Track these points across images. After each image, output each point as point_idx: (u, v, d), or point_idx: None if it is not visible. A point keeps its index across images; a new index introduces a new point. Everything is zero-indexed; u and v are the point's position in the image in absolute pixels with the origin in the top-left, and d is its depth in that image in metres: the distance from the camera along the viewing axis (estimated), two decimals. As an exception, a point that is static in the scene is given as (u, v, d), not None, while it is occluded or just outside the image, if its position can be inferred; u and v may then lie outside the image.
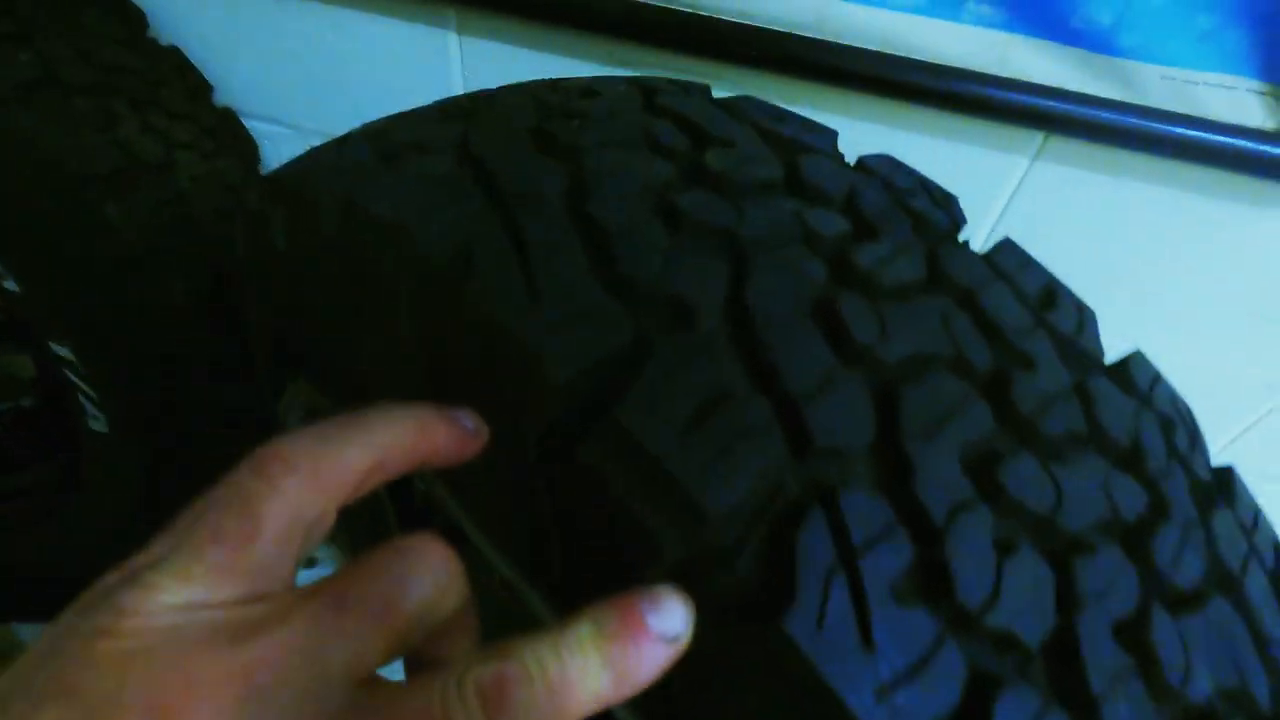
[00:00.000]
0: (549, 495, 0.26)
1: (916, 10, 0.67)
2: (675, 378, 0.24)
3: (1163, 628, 0.26)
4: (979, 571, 0.24)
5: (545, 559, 0.28)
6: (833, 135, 0.40)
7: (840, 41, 0.69)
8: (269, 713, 0.19)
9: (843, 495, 0.23)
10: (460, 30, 0.84)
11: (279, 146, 1.00)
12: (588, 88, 0.40)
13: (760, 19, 0.71)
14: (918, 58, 0.68)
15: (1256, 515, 0.36)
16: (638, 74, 0.49)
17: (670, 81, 0.45)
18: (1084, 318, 0.37)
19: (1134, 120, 0.61)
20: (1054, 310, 0.36)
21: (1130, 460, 0.31)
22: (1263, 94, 0.58)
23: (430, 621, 0.23)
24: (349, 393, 0.42)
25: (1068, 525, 0.27)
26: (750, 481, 0.23)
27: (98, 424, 0.85)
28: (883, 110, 0.74)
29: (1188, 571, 0.29)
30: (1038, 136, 0.71)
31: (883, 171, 0.39)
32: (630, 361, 0.24)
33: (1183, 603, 0.28)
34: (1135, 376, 0.36)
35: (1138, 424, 0.33)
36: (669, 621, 0.22)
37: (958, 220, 0.38)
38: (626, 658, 0.21)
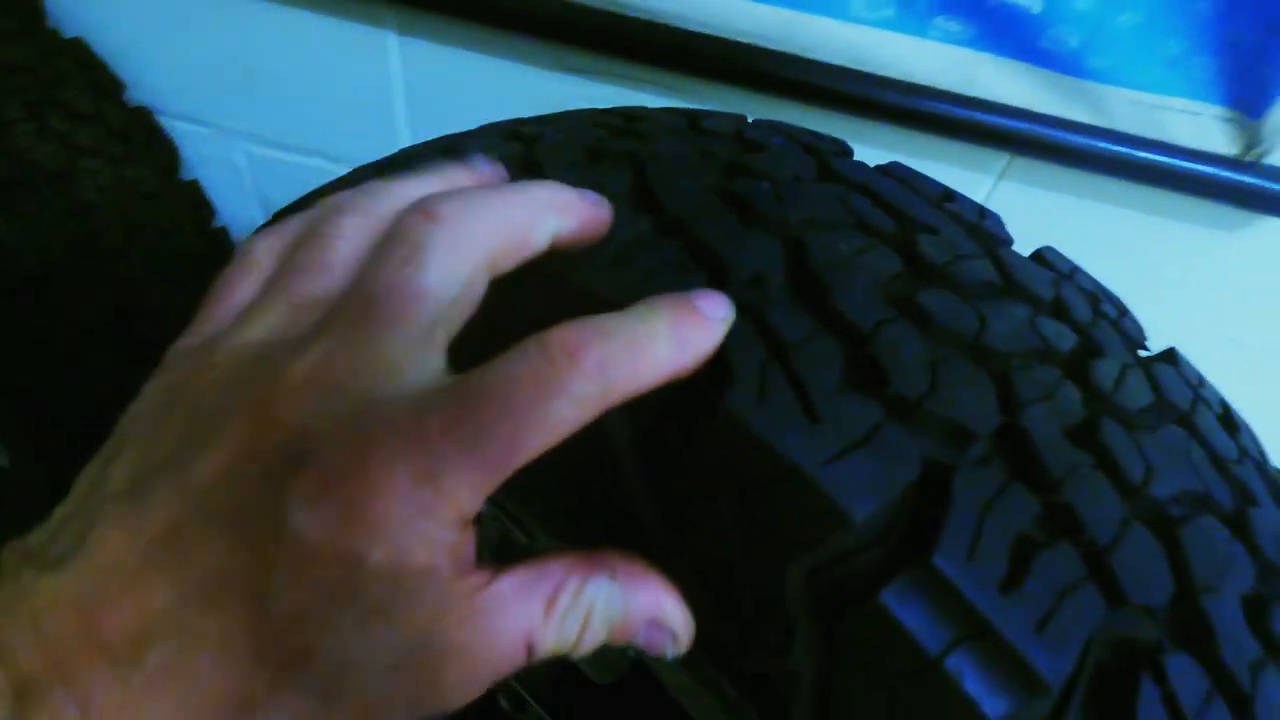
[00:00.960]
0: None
1: (884, 25, 0.64)
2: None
3: (1116, 434, 0.26)
4: (913, 367, 0.25)
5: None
6: (997, 217, 0.38)
7: (805, 55, 0.66)
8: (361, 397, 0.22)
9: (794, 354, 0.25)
10: (401, 31, 0.78)
11: (200, 148, 0.92)
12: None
13: (723, 30, 0.67)
14: (884, 74, 0.66)
15: (1201, 379, 0.35)
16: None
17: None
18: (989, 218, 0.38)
19: (1100, 144, 0.61)
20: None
21: (1056, 310, 0.31)
22: (1228, 120, 0.58)
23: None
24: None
25: (998, 345, 0.27)
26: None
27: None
28: (845, 126, 0.72)
29: (1134, 397, 0.29)
30: (1004, 157, 0.69)
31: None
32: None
33: (1133, 422, 0.28)
34: (1052, 260, 0.37)
35: (1058, 289, 0.33)
36: (715, 306, 0.25)
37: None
38: (688, 326, 0.24)
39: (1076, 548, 0.24)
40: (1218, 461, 0.30)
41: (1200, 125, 0.59)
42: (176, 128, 0.91)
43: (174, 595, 0.20)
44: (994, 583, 0.22)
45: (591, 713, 0.58)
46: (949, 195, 0.39)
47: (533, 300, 0.28)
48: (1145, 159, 0.60)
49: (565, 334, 0.23)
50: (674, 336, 0.24)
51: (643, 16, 0.68)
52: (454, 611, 0.22)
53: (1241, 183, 0.58)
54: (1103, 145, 0.61)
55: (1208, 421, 0.32)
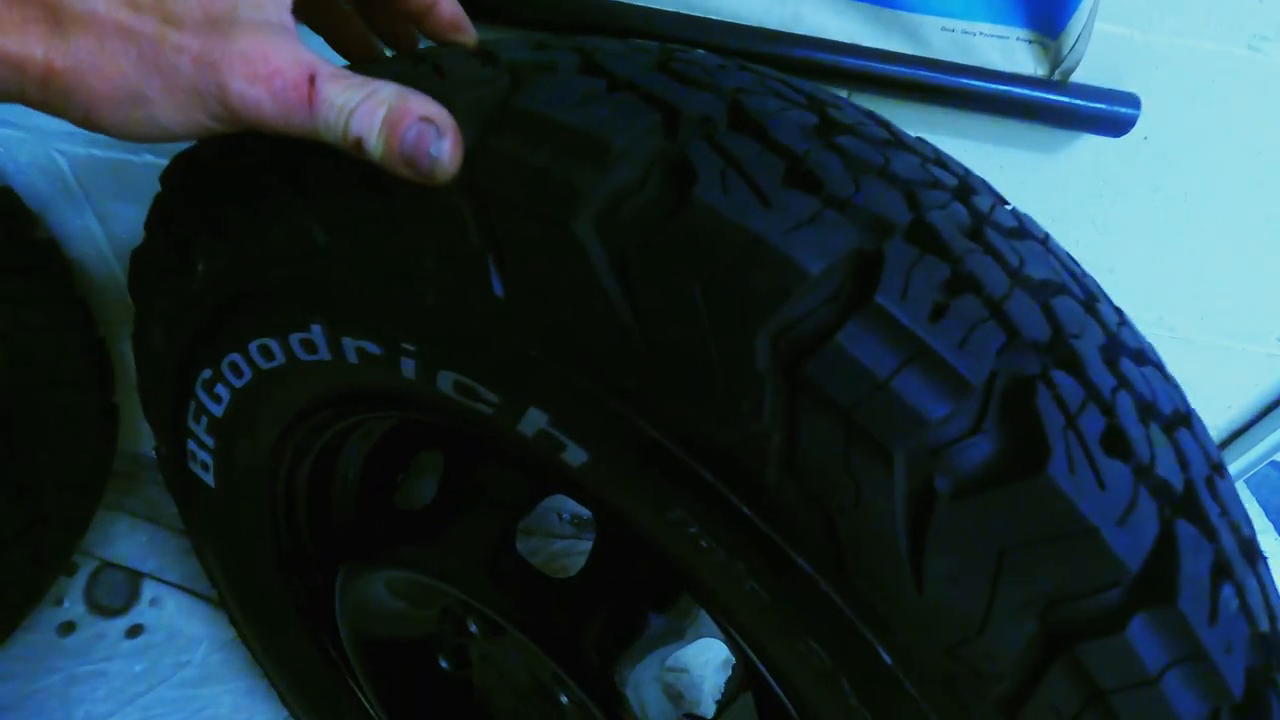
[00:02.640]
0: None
1: (706, -31, 0.60)
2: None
3: (995, 235, 0.34)
4: (840, 178, 0.31)
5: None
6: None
7: (634, 2, 0.65)
8: None
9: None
10: None
11: (14, 153, 0.80)
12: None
13: None
14: (713, 16, 0.65)
15: (1048, 234, 0.41)
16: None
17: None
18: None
19: (923, 73, 0.61)
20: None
21: (938, 162, 0.38)
22: (1032, 41, 0.60)
23: None
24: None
25: (901, 173, 0.34)
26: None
27: None
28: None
29: (1004, 219, 0.36)
30: (842, 93, 0.78)
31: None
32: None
33: (1006, 231, 0.35)
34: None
35: (936, 152, 0.39)
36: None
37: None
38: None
39: (979, 298, 0.30)
40: (1069, 270, 0.37)
41: (1008, 48, 0.60)
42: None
43: None
44: (924, 316, 0.28)
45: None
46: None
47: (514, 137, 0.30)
48: (964, 85, 0.61)
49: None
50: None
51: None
52: (268, 30, 0.29)
53: (1052, 101, 0.60)
54: (926, 74, 0.61)
55: (1058, 249, 0.39)
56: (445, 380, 0.38)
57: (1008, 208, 0.39)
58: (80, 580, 0.98)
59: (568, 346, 0.32)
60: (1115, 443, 0.28)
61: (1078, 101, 0.59)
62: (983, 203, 0.36)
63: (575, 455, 0.35)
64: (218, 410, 0.54)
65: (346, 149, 0.31)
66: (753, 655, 0.38)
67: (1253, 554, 0.32)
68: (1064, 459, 0.26)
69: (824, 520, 0.29)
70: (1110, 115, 0.59)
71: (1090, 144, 0.66)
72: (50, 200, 0.81)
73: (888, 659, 0.30)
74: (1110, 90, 0.60)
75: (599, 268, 0.30)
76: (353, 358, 0.42)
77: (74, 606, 0.96)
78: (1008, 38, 0.60)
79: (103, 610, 0.96)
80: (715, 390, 0.29)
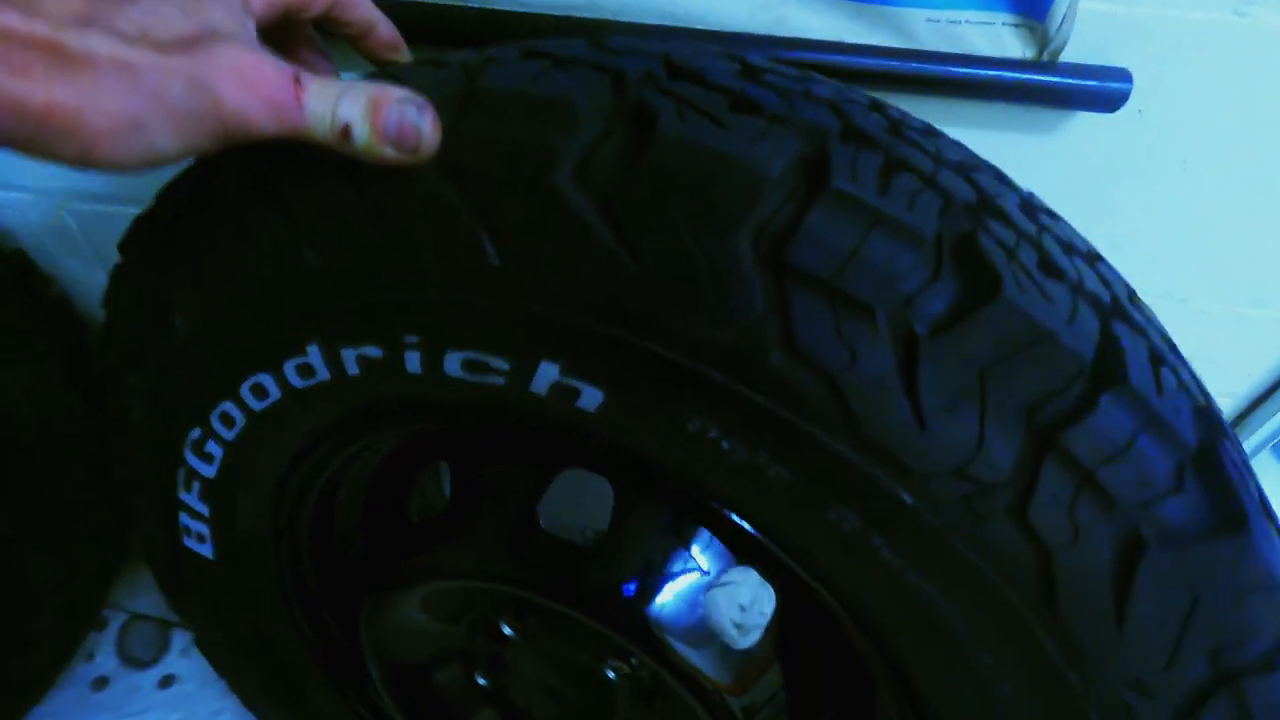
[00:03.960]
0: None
1: (685, -24, 0.61)
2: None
3: (913, 132, 0.39)
4: (775, 102, 0.35)
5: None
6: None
7: (620, 19, 0.64)
8: None
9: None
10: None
11: (24, 215, 0.81)
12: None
13: (529, 4, 0.63)
14: (698, 26, 0.65)
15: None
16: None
17: None
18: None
19: (912, 65, 0.61)
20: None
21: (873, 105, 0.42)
22: (1018, 25, 0.60)
23: None
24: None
25: (823, 95, 0.38)
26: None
27: None
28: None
29: (921, 137, 0.40)
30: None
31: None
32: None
33: (920, 144, 0.39)
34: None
35: (842, 93, 0.42)
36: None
37: None
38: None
39: (913, 174, 0.35)
40: (977, 158, 0.43)
41: (994, 34, 0.61)
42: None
43: None
44: (874, 192, 0.32)
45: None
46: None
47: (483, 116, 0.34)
48: (953, 73, 0.60)
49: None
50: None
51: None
52: (244, 43, 0.32)
53: (1043, 82, 0.60)
54: (915, 66, 0.60)
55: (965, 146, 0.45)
56: (453, 362, 0.40)
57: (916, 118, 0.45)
58: (111, 634, 1.00)
59: (568, 293, 0.35)
60: (1050, 268, 0.33)
61: (1069, 80, 0.60)
62: (894, 113, 0.42)
63: (591, 398, 0.38)
64: (210, 471, 0.55)
65: (334, 141, 0.34)
66: (783, 553, 0.41)
67: (1177, 351, 0.38)
68: (1013, 283, 0.31)
69: (829, 386, 0.32)
70: (1102, 91, 0.60)
71: (1085, 122, 0.66)
72: (61, 259, 0.83)
73: (908, 499, 0.33)
74: (1100, 67, 0.60)
75: (585, 214, 0.33)
76: (353, 369, 0.43)
77: (106, 660, 0.98)
78: (993, 23, 0.60)
79: (135, 662, 0.98)
80: (710, 295, 0.33)
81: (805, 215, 0.32)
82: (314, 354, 0.44)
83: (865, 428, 0.33)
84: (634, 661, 0.54)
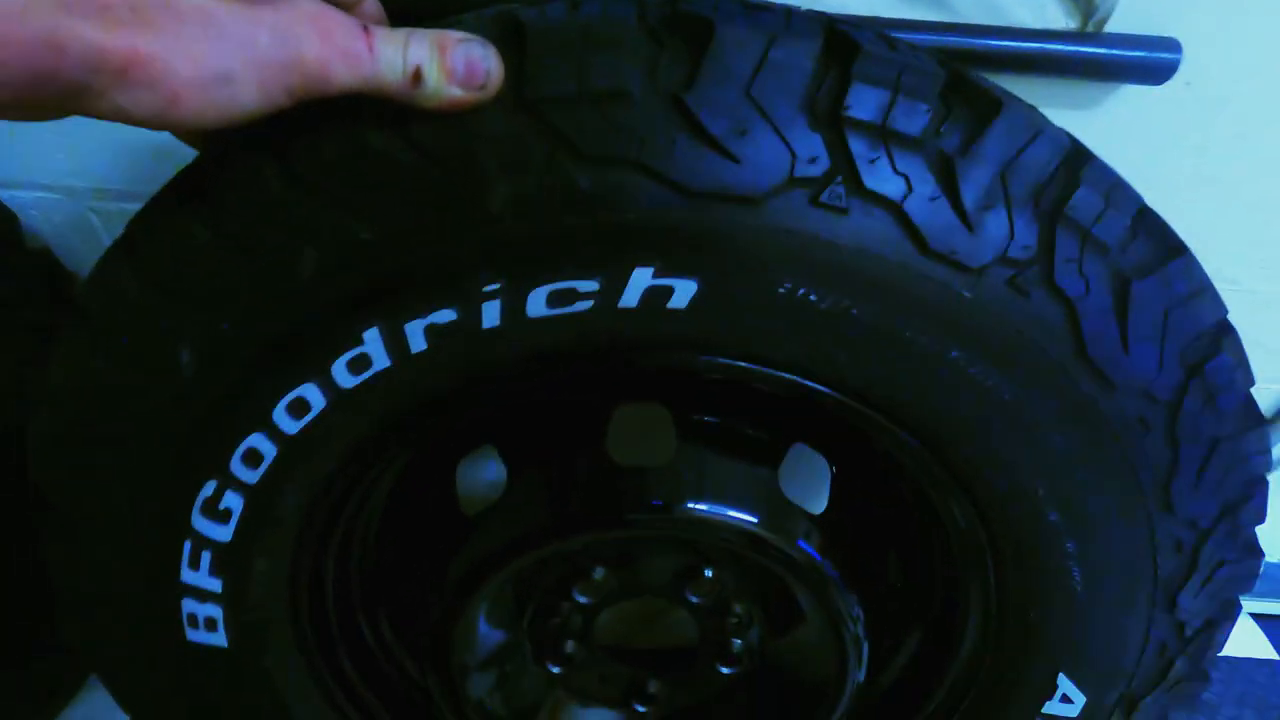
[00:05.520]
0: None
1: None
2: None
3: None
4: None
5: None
6: None
7: None
8: None
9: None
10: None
11: (50, 215, 0.78)
12: None
13: None
14: None
15: None
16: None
17: None
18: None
19: (951, 39, 0.58)
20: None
21: None
22: None
23: None
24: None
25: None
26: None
27: None
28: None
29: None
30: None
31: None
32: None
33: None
34: None
35: None
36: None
37: None
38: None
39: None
40: None
41: (1037, 4, 0.59)
42: (16, 197, 0.76)
43: None
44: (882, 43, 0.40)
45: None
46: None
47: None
48: (996, 46, 0.57)
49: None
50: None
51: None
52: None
53: (1088, 54, 0.57)
54: (958, 40, 0.58)
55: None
56: (537, 300, 0.41)
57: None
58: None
59: (654, 190, 0.38)
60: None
61: (1115, 52, 0.57)
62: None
63: (684, 292, 0.41)
64: (226, 534, 0.49)
65: (404, 87, 0.35)
66: (849, 398, 0.47)
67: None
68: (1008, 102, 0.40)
69: (896, 215, 0.39)
70: (1150, 62, 0.57)
71: (1130, 94, 0.63)
72: (87, 258, 0.81)
73: (968, 294, 0.41)
74: (1148, 37, 0.58)
75: (657, 111, 0.37)
76: (419, 344, 0.42)
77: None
78: None
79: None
80: (787, 148, 0.38)
81: (850, 81, 0.38)
82: (373, 340, 0.42)
83: (930, 242, 0.40)
84: (709, 572, 0.57)
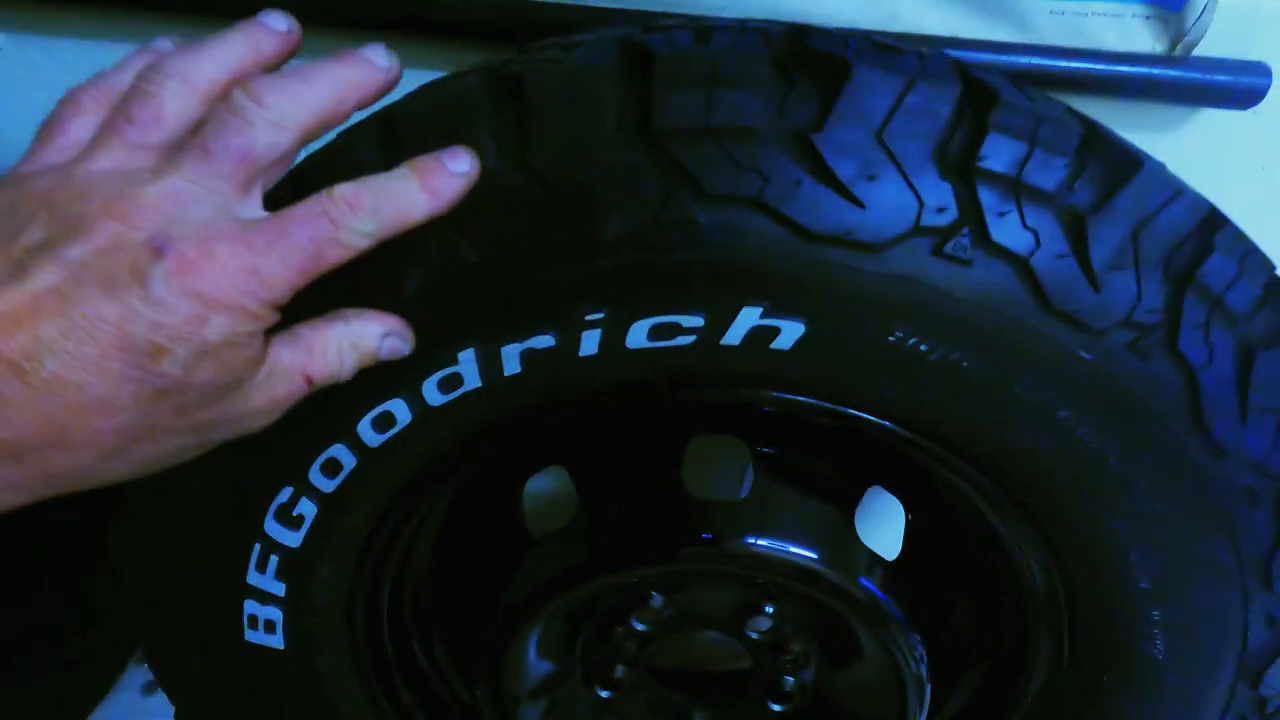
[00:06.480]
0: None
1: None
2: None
3: None
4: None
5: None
6: None
7: (724, 15, 0.51)
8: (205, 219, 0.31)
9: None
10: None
11: None
12: None
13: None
14: (806, 20, 0.56)
15: None
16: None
17: None
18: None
19: (1033, 60, 0.56)
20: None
21: None
22: (1149, 17, 0.57)
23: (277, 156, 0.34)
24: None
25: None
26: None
27: None
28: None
29: None
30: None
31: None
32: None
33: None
34: None
35: None
36: (460, 163, 0.35)
37: None
38: (437, 179, 0.35)
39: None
40: None
41: (1124, 26, 0.57)
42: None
43: (60, 327, 0.28)
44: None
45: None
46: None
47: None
48: (1079, 69, 0.56)
49: (345, 188, 0.33)
50: (424, 191, 0.35)
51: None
52: (256, 357, 0.33)
53: (1176, 78, 0.56)
54: (1036, 61, 0.56)
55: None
56: (638, 332, 0.40)
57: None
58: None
59: (772, 230, 0.37)
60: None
61: (1203, 76, 0.56)
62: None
63: (791, 333, 0.40)
64: (296, 540, 0.49)
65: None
66: (946, 449, 0.45)
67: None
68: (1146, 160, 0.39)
69: (1020, 270, 0.38)
70: (1238, 87, 0.56)
71: (1211, 120, 0.61)
72: None
73: (1087, 355, 0.40)
74: (1237, 61, 0.56)
75: (782, 151, 0.36)
76: (513, 367, 0.42)
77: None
78: (1123, 15, 0.56)
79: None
80: (915, 196, 0.36)
81: (986, 130, 0.37)
82: (467, 360, 0.41)
83: (1054, 300, 0.38)
84: (770, 609, 0.56)
